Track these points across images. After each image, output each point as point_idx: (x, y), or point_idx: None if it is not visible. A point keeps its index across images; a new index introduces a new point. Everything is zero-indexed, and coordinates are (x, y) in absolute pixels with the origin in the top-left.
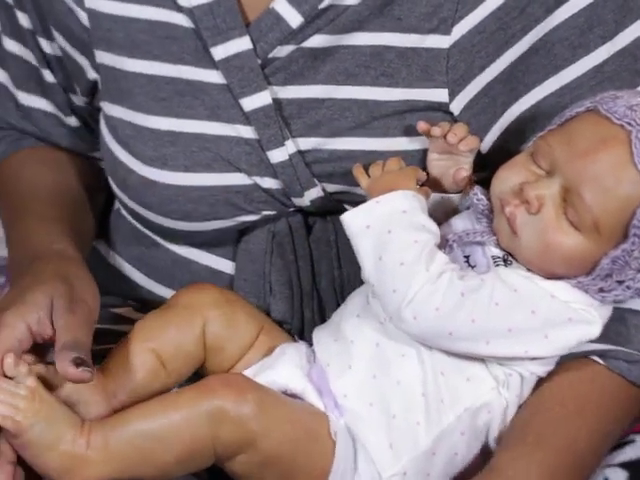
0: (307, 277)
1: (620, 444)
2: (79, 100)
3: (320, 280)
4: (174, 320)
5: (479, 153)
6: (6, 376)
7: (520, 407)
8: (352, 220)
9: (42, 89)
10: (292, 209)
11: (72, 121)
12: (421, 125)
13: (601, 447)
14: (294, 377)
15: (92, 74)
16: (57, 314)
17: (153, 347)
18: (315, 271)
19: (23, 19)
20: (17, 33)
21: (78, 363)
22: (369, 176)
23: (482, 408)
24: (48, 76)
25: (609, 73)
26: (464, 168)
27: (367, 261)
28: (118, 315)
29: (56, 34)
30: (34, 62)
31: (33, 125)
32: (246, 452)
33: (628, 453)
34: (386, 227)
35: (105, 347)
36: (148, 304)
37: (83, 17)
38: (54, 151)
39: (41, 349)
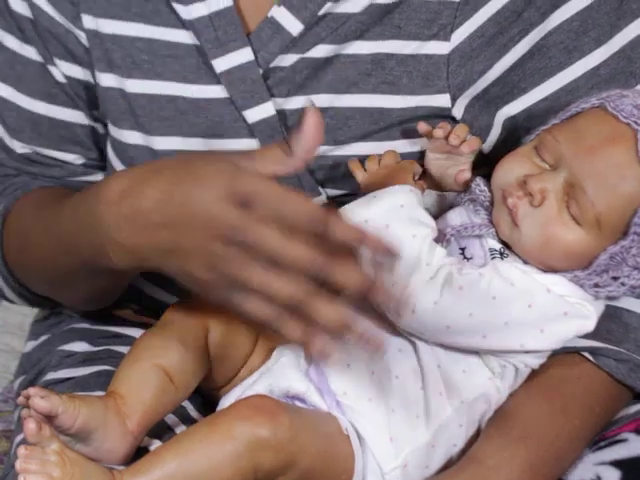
0: None
1: (612, 442)
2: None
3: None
4: (176, 334)
5: (480, 151)
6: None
7: (508, 396)
8: (350, 214)
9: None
10: None
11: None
12: (422, 126)
13: (580, 445)
14: (296, 379)
15: (87, 85)
16: None
17: (159, 363)
18: None
19: (32, 53)
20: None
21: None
22: (365, 170)
23: (479, 399)
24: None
25: (604, 76)
26: (466, 170)
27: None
28: (119, 317)
29: (57, 60)
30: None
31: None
32: (285, 474)
33: (620, 451)
34: (384, 221)
35: (104, 348)
36: (147, 308)
37: (82, 37)
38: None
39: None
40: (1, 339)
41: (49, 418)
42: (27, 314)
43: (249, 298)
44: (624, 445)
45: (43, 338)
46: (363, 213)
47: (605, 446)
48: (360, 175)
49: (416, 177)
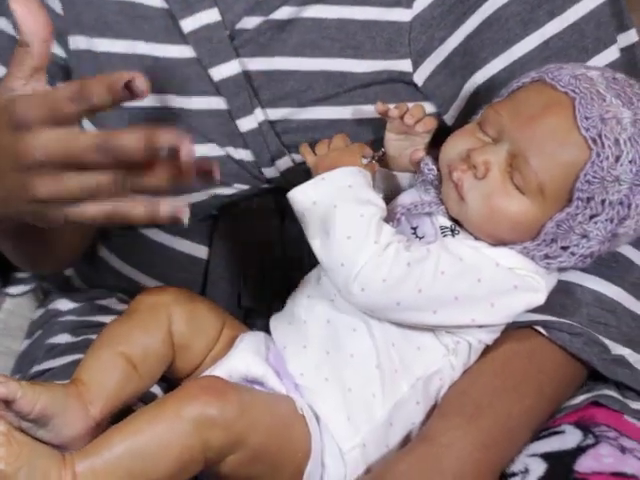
0: (280, 264)
1: (551, 433)
2: None
3: (292, 267)
4: (140, 322)
5: (445, 127)
6: None
7: (462, 373)
8: (298, 197)
9: None
10: (266, 185)
11: None
12: (379, 106)
13: (533, 423)
14: (253, 363)
15: (60, 62)
16: None
17: (122, 351)
18: (288, 258)
19: (4, 24)
20: None
21: None
22: (315, 154)
23: (434, 376)
24: None
25: (556, 49)
26: (420, 149)
27: (315, 237)
28: (102, 306)
29: None
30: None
31: None
32: (235, 452)
33: (553, 444)
34: (332, 202)
35: (83, 338)
36: (131, 293)
37: (56, 5)
38: None
39: None
40: (1, 342)
41: (7, 403)
42: (28, 317)
43: (82, 207)
44: (559, 437)
45: (35, 335)
46: (311, 194)
47: (544, 437)
48: (310, 158)
49: (366, 158)
